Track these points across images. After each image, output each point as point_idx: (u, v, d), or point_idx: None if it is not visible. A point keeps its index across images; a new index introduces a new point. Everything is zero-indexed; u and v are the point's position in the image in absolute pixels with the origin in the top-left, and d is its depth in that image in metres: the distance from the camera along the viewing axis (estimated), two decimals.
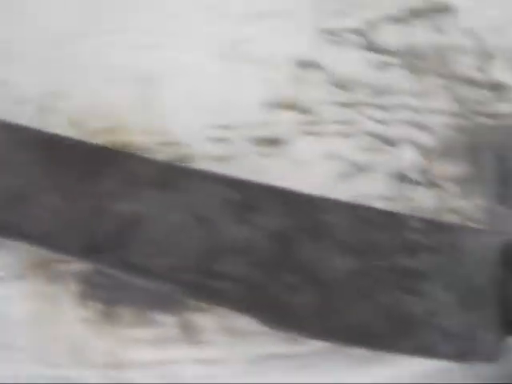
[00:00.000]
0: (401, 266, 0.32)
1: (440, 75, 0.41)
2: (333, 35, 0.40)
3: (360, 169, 0.38)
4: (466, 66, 0.42)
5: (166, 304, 0.36)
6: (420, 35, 0.41)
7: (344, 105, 0.39)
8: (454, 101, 0.41)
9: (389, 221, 0.34)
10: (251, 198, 0.33)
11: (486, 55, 0.42)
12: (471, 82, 0.41)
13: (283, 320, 0.33)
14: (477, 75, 0.42)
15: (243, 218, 0.33)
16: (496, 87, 0.42)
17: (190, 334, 0.36)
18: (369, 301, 0.32)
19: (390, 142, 0.39)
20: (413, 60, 0.40)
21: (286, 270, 0.32)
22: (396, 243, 0.33)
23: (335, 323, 0.32)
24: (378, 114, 0.39)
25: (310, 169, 0.38)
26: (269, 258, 0.32)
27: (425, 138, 0.40)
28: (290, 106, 0.39)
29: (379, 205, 0.37)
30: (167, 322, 0.36)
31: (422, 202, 0.39)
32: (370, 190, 0.38)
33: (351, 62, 0.40)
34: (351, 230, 0.33)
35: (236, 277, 0.32)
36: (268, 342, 0.36)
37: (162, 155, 0.37)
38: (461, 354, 0.32)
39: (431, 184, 0.39)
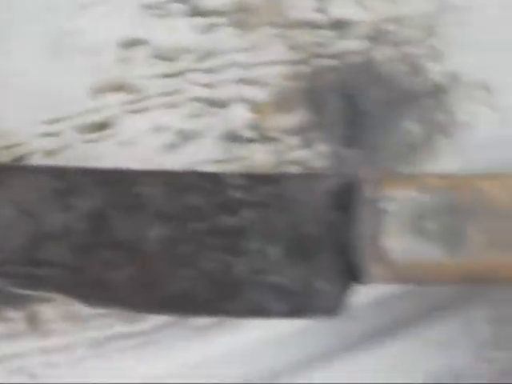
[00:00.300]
0: (222, 226, 0.31)
1: (273, 25, 0.40)
2: (155, 9, 0.40)
3: (189, 136, 0.38)
4: (303, 9, 0.40)
5: (12, 299, 0.37)
6: None
7: (169, 75, 0.39)
8: (290, 49, 0.39)
9: (208, 183, 0.33)
10: (73, 183, 0.34)
11: None
12: (309, 25, 0.40)
13: (105, 298, 0.33)
14: (316, 16, 0.40)
15: (65, 204, 0.34)
16: (337, 25, 0.40)
17: (35, 326, 0.37)
18: (190, 267, 0.32)
19: (219, 104, 0.38)
20: (242, 16, 0.39)
21: (103, 248, 0.32)
22: (216, 204, 0.32)
23: (157, 294, 0.32)
24: (206, 78, 0.39)
25: (139, 145, 0.38)
26: (85, 239, 0.33)
27: (257, 93, 0.39)
28: (118, 88, 0.39)
29: (213, 169, 0.37)
30: (15, 316, 0.37)
31: (259, 159, 0.38)
32: (202, 156, 0.38)
33: (175, 32, 0.39)
34: (168, 198, 0.33)
35: (56, 261, 0.33)
36: (109, 324, 0.36)
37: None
38: (297, 310, 0.30)
39: (266, 139, 0.38)
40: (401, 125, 0.38)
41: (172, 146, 0.37)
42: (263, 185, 0.31)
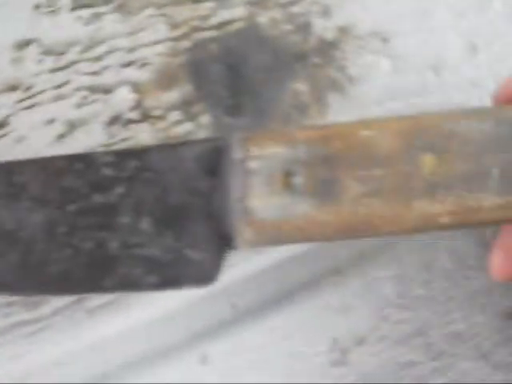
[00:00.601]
0: (95, 205, 0.32)
1: (156, 6, 0.40)
2: (47, 7, 0.41)
3: (77, 125, 0.39)
4: None
5: None
6: None
7: (58, 69, 0.40)
8: (171, 26, 0.40)
9: (81, 164, 0.34)
10: None
11: None
12: (188, 1, 0.40)
13: None
14: None
15: None
16: None
17: None
18: (67, 248, 0.33)
19: (105, 90, 0.39)
20: (124, 1, 0.40)
21: None
22: (89, 184, 0.33)
23: (38, 277, 0.33)
24: (92, 67, 0.39)
25: (32, 140, 0.39)
26: None
27: (140, 75, 0.39)
28: (13, 88, 0.40)
29: None
30: None
31: (144, 138, 0.38)
32: (91, 143, 0.38)
33: (63, 27, 0.40)
34: (44, 184, 0.34)
35: None
36: (10, 312, 0.37)
37: None
38: (169, 281, 0.30)
39: (150, 117, 0.38)
40: (288, 86, 0.37)
41: (62, 137, 0.37)
42: (130, 159, 0.31)
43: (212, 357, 0.36)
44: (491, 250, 0.31)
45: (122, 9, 0.39)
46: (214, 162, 0.30)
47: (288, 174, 0.28)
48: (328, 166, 0.28)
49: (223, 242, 0.29)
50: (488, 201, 0.29)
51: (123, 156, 0.31)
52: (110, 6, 0.39)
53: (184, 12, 0.38)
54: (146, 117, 0.37)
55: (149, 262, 0.30)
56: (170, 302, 0.36)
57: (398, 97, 0.37)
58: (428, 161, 0.28)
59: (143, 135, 0.37)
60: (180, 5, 0.38)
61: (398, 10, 0.38)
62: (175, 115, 0.37)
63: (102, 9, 0.39)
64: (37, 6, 0.39)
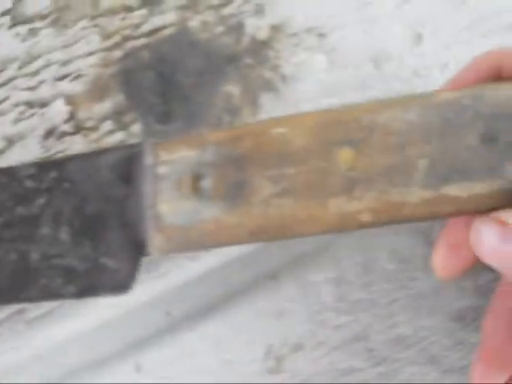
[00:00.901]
0: (18, 217, 0.33)
1: (89, 17, 0.40)
2: None
3: (14, 140, 0.39)
4: None
5: None
6: None
7: None
8: (103, 37, 0.40)
9: (5, 177, 0.34)
10: None
11: None
12: (121, 10, 0.40)
13: None
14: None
15: None
16: (150, 2, 0.40)
17: None
18: None
19: (41, 104, 0.39)
20: (60, 15, 0.40)
21: None
22: (12, 196, 0.33)
23: None
24: (28, 82, 0.40)
25: None
26: None
27: (74, 87, 0.39)
28: None
29: None
30: None
31: (77, 150, 0.38)
32: (27, 157, 0.39)
33: (2, 44, 0.41)
34: None
35: None
36: None
37: None
38: (87, 290, 0.31)
39: (83, 129, 0.38)
40: (220, 89, 0.36)
41: (1, 152, 0.38)
42: (50, 170, 0.31)
43: (147, 365, 0.36)
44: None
45: (56, 23, 0.38)
46: (127, 169, 0.29)
47: (197, 178, 0.28)
48: (238, 166, 0.28)
49: (137, 250, 0.29)
50: (414, 195, 0.28)
51: (43, 167, 0.31)
52: (46, 21, 0.38)
53: (116, 22, 0.38)
54: (79, 128, 0.37)
55: (68, 271, 0.30)
56: (106, 311, 0.36)
57: (334, 93, 0.36)
58: (345, 155, 0.27)
59: (77, 147, 0.37)
60: (112, 14, 0.38)
61: (336, 2, 0.37)
62: (107, 125, 0.37)
63: (38, 24, 0.38)
64: None
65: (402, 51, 0.37)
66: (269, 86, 0.37)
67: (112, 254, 0.30)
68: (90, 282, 0.30)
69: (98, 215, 0.30)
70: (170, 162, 0.29)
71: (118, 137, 0.37)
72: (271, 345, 0.35)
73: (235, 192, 0.28)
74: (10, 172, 0.32)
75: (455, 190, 0.27)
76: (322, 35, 0.37)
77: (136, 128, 0.37)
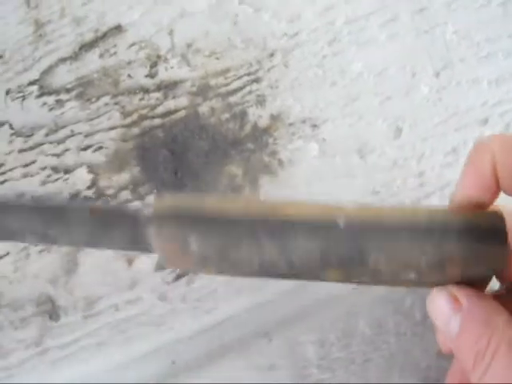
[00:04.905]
0: None
1: (111, 95, 0.46)
2: (18, 93, 0.47)
3: None
4: (136, 76, 0.46)
5: None
6: (90, 65, 0.46)
7: (25, 150, 0.46)
8: (123, 114, 0.45)
9: None
10: None
11: (153, 59, 0.46)
12: (140, 90, 0.45)
13: None
14: (146, 82, 0.46)
15: None
16: (165, 87, 0.45)
17: None
18: None
19: (65, 170, 0.45)
20: (84, 90, 0.46)
21: None
22: None
23: None
24: (55, 149, 0.45)
25: None
26: None
27: (96, 157, 0.45)
28: None
29: None
30: None
31: None
32: None
33: (31, 111, 0.46)
34: None
35: None
36: None
37: None
38: None
39: (103, 196, 0.44)
40: (225, 170, 0.42)
41: None
42: None
43: None
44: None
45: (82, 96, 0.44)
46: None
47: None
48: None
49: None
50: None
51: None
52: (71, 94, 0.44)
53: (134, 101, 0.43)
54: (100, 195, 0.42)
55: None
56: (120, 356, 0.41)
57: (324, 179, 0.42)
58: None
59: None
60: (131, 94, 0.44)
61: (328, 97, 0.43)
62: (125, 194, 0.42)
63: (66, 96, 0.44)
64: (8, 91, 0.44)
65: (383, 143, 0.43)
66: (267, 169, 0.42)
67: None
68: None
69: None
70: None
71: (133, 205, 0.42)
72: None
73: None
74: None
75: None
76: (315, 126, 0.43)
77: (151, 199, 0.42)
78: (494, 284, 0.33)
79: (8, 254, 0.41)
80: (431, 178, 0.41)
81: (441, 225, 0.31)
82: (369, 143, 0.42)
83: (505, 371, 0.29)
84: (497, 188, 0.32)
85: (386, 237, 0.31)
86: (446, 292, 0.32)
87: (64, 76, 0.45)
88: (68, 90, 0.44)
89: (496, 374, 0.29)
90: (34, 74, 0.45)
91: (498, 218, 0.30)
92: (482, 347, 0.30)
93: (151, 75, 0.43)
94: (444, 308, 0.32)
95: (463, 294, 0.31)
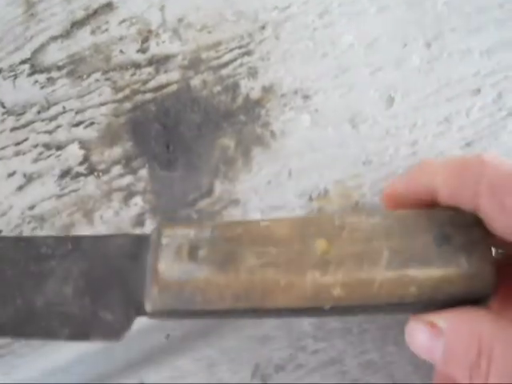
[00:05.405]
0: (30, 272, 0.38)
1: (101, 71, 0.46)
2: (9, 72, 0.47)
3: (33, 177, 0.45)
4: (127, 52, 0.46)
5: None
6: (81, 42, 0.46)
7: (17, 128, 0.46)
8: (114, 89, 0.45)
9: (24, 243, 0.40)
10: None
11: (145, 35, 0.46)
12: (131, 66, 0.45)
13: None
14: (138, 57, 0.46)
15: None
16: (157, 61, 0.45)
17: None
18: (5, 301, 0.39)
19: (57, 146, 0.45)
20: (76, 67, 0.46)
21: None
22: (28, 258, 0.39)
23: None
24: (46, 126, 0.45)
25: None
26: None
27: (88, 133, 0.45)
28: None
29: (49, 204, 0.44)
30: None
31: (89, 190, 0.44)
32: (44, 194, 0.44)
33: (22, 89, 0.46)
34: None
35: None
36: None
37: None
38: (81, 335, 0.36)
39: (95, 171, 0.44)
40: (217, 142, 0.42)
41: (21, 187, 0.43)
42: (66, 244, 0.37)
43: (149, 382, 0.41)
44: None
45: (73, 73, 0.44)
46: (135, 247, 0.36)
47: (194, 247, 0.34)
48: (229, 243, 0.34)
49: (134, 307, 0.35)
50: (379, 275, 0.33)
51: (61, 241, 0.37)
52: (62, 72, 0.44)
53: (126, 77, 0.43)
54: (92, 170, 0.42)
55: (64, 317, 0.35)
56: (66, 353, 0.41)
57: (317, 149, 0.42)
58: (320, 244, 0.33)
59: (89, 187, 0.42)
60: (123, 70, 0.44)
61: (319, 69, 0.43)
62: (117, 169, 0.42)
63: (57, 74, 0.44)
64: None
65: (375, 113, 0.43)
66: (260, 141, 0.42)
67: (109, 308, 0.35)
68: (85, 329, 0.35)
69: (103, 278, 0.36)
70: (172, 235, 0.35)
71: (126, 180, 0.42)
72: (258, 365, 0.41)
73: (225, 259, 0.34)
74: (29, 240, 0.38)
75: (414, 272, 0.32)
76: (307, 97, 0.43)
77: (143, 173, 0.42)
78: None
79: None
80: (423, 147, 0.41)
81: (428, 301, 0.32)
82: (361, 113, 0.42)
83: (508, 370, 0.28)
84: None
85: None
86: (422, 322, 0.32)
87: (55, 54, 0.44)
88: (59, 68, 0.44)
89: (499, 376, 0.28)
90: (25, 53, 0.45)
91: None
92: (473, 358, 0.29)
93: (143, 50, 0.43)
94: (423, 340, 0.32)
95: (440, 318, 0.31)
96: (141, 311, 0.34)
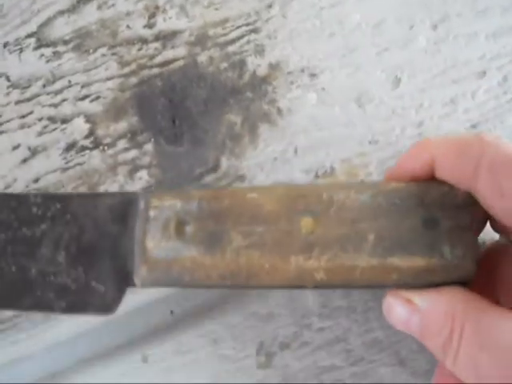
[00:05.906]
0: (22, 236, 0.38)
1: (108, 46, 0.45)
2: (15, 46, 0.47)
3: (38, 151, 0.44)
4: (134, 27, 0.45)
5: None
6: (88, 17, 0.46)
7: (22, 101, 0.45)
8: (121, 64, 0.45)
9: (15, 202, 0.39)
10: None
11: (152, 10, 0.45)
12: (138, 41, 0.45)
13: None
14: (144, 32, 0.45)
15: None
16: (164, 37, 0.45)
17: None
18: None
19: (63, 120, 0.45)
20: (82, 41, 0.46)
21: None
22: (20, 219, 0.38)
23: None
24: (52, 100, 0.45)
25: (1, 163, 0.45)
26: None
27: (93, 107, 0.44)
28: None
29: (53, 177, 0.44)
30: None
31: (95, 163, 0.44)
32: (49, 167, 0.44)
33: (28, 63, 0.46)
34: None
35: None
36: None
37: None
38: (76, 307, 0.35)
39: (101, 145, 0.44)
40: (224, 118, 0.42)
41: (25, 161, 0.43)
42: (55, 203, 0.36)
43: (153, 357, 0.41)
44: None
45: (80, 48, 0.44)
46: (123, 211, 0.35)
47: (181, 223, 0.34)
48: (216, 220, 0.34)
49: (124, 280, 0.35)
50: (362, 261, 0.33)
51: (50, 199, 0.37)
52: (68, 46, 0.44)
53: (132, 52, 0.43)
54: (97, 144, 0.42)
55: (60, 289, 0.35)
56: (65, 328, 0.42)
57: (323, 127, 0.42)
58: (306, 223, 0.33)
59: (94, 161, 0.42)
60: (129, 45, 0.43)
61: (326, 48, 0.43)
62: (123, 143, 0.42)
63: (62, 48, 0.44)
64: (4, 44, 0.43)
65: (382, 93, 0.43)
66: (266, 118, 0.42)
67: (101, 279, 0.35)
68: (79, 301, 0.35)
69: (93, 245, 0.35)
70: (159, 207, 0.35)
71: (132, 154, 0.42)
72: (262, 343, 0.41)
73: (212, 239, 0.34)
74: (19, 198, 0.37)
75: (397, 261, 0.32)
76: (313, 75, 0.43)
77: (148, 147, 0.42)
78: None
79: None
80: (429, 128, 0.41)
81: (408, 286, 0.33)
82: (367, 93, 0.42)
83: (474, 350, 0.29)
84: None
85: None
86: (399, 298, 0.33)
87: (62, 28, 0.44)
88: (66, 42, 0.44)
89: (467, 354, 0.30)
90: (31, 27, 0.45)
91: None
92: (446, 334, 0.30)
93: (149, 26, 0.43)
94: (400, 314, 0.33)
95: (415, 295, 0.32)
96: (130, 282, 0.34)
